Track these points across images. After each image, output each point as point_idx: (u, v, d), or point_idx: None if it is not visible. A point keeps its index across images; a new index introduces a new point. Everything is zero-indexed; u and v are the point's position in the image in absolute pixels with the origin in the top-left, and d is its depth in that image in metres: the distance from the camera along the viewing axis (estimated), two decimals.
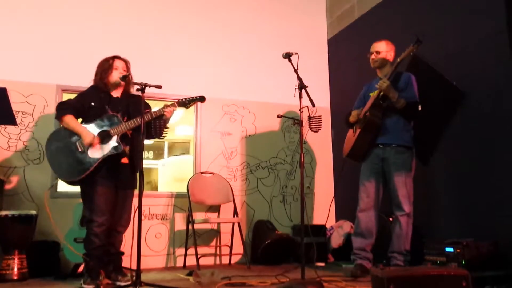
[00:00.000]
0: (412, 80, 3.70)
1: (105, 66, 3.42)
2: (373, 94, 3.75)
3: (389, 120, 3.65)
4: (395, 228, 3.56)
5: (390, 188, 3.62)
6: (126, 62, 3.50)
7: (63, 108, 3.34)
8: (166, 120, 3.43)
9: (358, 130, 3.73)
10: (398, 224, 3.53)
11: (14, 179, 4.22)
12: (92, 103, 3.37)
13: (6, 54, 4.39)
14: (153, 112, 3.33)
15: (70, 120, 3.29)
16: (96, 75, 3.47)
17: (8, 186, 4.14)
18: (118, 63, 3.45)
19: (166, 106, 3.36)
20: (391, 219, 3.76)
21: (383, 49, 3.77)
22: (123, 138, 3.30)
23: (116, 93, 3.48)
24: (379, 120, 3.63)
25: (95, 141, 3.23)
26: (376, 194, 3.69)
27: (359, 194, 3.74)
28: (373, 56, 3.80)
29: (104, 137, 3.26)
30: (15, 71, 4.38)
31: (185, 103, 3.41)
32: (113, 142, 3.25)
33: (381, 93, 3.59)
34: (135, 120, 3.27)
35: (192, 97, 3.44)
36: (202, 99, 3.45)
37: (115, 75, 3.40)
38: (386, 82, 3.51)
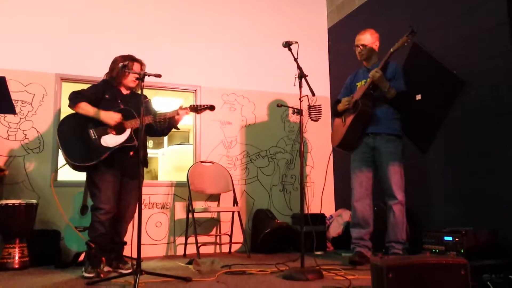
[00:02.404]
0: (400, 70, 3.70)
1: (119, 67, 3.42)
2: (360, 84, 3.76)
3: (379, 109, 3.65)
4: (389, 218, 3.57)
5: (381, 176, 3.63)
6: (142, 64, 3.56)
7: (77, 97, 3.37)
8: (177, 121, 3.49)
9: (349, 120, 3.71)
10: (392, 213, 3.54)
11: (14, 168, 4.23)
12: (106, 96, 3.44)
13: (5, 43, 4.37)
14: (168, 113, 3.42)
15: (87, 106, 3.32)
16: (111, 71, 3.51)
17: (8, 175, 4.14)
18: (135, 67, 3.48)
19: (181, 108, 3.45)
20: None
21: (368, 40, 3.77)
22: (135, 133, 3.36)
23: (125, 91, 3.56)
24: (370, 110, 3.63)
25: (118, 119, 3.30)
26: (369, 183, 3.71)
27: (352, 185, 3.76)
28: (359, 49, 3.80)
29: (118, 128, 3.32)
30: (14, 60, 4.36)
31: (197, 108, 3.52)
32: (126, 134, 3.31)
33: (372, 83, 3.58)
34: (148, 117, 3.36)
35: (204, 105, 3.54)
36: (212, 108, 3.56)
37: (130, 79, 3.47)
38: (379, 72, 3.51)
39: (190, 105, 3.53)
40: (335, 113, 3.94)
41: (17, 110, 4.26)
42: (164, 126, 3.48)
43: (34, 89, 4.41)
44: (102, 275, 3.12)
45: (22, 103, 4.35)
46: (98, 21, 4.73)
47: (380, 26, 3.91)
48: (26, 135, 4.32)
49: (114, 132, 3.31)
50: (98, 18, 4.75)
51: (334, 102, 4.00)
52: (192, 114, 3.60)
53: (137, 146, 3.34)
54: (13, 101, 3.60)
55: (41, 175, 4.27)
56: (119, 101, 3.45)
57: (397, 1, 4.58)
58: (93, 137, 3.27)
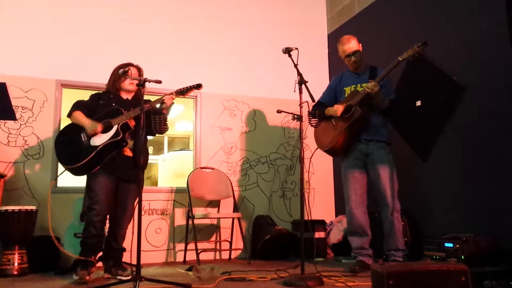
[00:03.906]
0: (389, 77, 3.67)
1: (119, 74, 3.45)
2: (349, 89, 3.71)
3: (372, 116, 3.63)
4: (386, 228, 3.54)
5: (375, 184, 3.60)
6: (139, 69, 3.59)
7: (74, 107, 3.49)
8: (167, 110, 3.46)
9: (342, 125, 3.61)
10: (388, 222, 3.51)
11: (14, 174, 4.22)
12: (101, 102, 3.50)
13: (6, 49, 4.38)
14: (153, 101, 3.40)
15: (77, 115, 3.42)
16: (109, 81, 3.58)
17: (8, 181, 4.14)
18: (132, 72, 3.50)
19: (165, 95, 3.43)
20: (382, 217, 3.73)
21: (357, 46, 3.73)
22: (125, 130, 3.38)
23: (127, 96, 3.59)
24: (367, 116, 3.60)
25: (99, 129, 3.32)
26: (363, 189, 3.68)
27: (347, 192, 3.71)
28: (353, 59, 3.72)
29: (106, 127, 3.36)
30: (15, 66, 4.37)
31: (183, 91, 3.45)
32: (113, 131, 3.34)
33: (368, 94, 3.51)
34: (135, 110, 3.33)
35: (189, 86, 3.47)
36: (198, 86, 3.48)
37: (127, 83, 3.51)
38: (377, 86, 3.44)
39: (176, 90, 3.46)
40: (315, 115, 3.83)
41: (17, 116, 4.26)
42: (161, 122, 3.46)
43: (34, 95, 4.41)
44: (87, 277, 3.14)
45: (22, 109, 4.36)
46: (98, 28, 4.74)
47: (380, 32, 3.92)
48: (26, 141, 4.32)
49: (102, 132, 3.35)
50: (99, 24, 4.76)
51: (317, 104, 3.86)
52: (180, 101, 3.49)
53: (130, 143, 3.41)
54: (13, 107, 3.61)
55: (41, 181, 4.27)
56: (113, 104, 3.48)
57: (396, 7, 4.59)
58: (83, 139, 3.34)
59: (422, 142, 4.05)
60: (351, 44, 3.73)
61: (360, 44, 3.77)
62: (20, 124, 4.33)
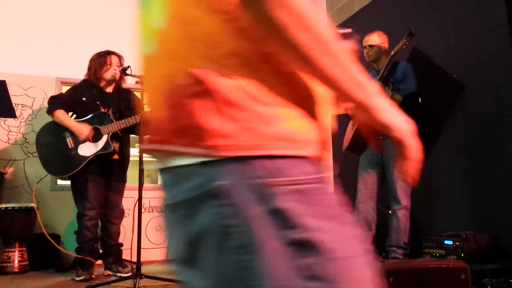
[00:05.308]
0: (410, 69, 3.68)
1: (100, 62, 3.41)
2: None
3: None
4: (392, 222, 3.54)
5: (388, 180, 3.60)
6: (120, 57, 3.52)
7: (54, 103, 3.35)
8: None
9: (355, 124, 3.72)
10: (395, 218, 3.52)
11: (14, 172, 4.22)
12: (84, 98, 3.39)
13: (5, 47, 4.37)
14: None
15: (62, 115, 3.31)
16: (89, 69, 3.48)
17: (8, 179, 4.14)
18: (113, 59, 3.45)
19: None
20: (390, 211, 3.76)
21: (375, 41, 3.74)
22: (113, 137, 3.34)
23: (109, 89, 3.51)
24: None
25: (90, 135, 3.25)
26: (374, 186, 3.69)
27: (358, 186, 3.74)
28: (366, 51, 3.77)
29: (95, 135, 3.30)
30: (15, 64, 4.37)
31: None
32: (103, 141, 3.29)
33: None
34: (126, 120, 3.28)
35: None
36: None
37: (110, 72, 3.43)
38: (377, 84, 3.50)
39: None
40: (347, 115, 3.92)
41: (17, 113, 4.25)
42: None
43: (34, 93, 4.41)
44: (93, 276, 3.15)
45: (22, 106, 4.36)
46: (98, 26, 4.73)
47: (380, 30, 3.91)
48: (26, 138, 4.32)
49: (90, 140, 3.29)
50: (98, 22, 4.75)
51: None
52: None
53: (118, 149, 3.37)
54: (13, 105, 3.61)
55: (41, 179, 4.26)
56: (98, 102, 3.40)
57: (396, 5, 4.58)
58: (70, 146, 3.27)
59: (422, 139, 4.01)
60: (370, 37, 3.77)
61: (385, 44, 3.77)
62: (20, 122, 4.33)
